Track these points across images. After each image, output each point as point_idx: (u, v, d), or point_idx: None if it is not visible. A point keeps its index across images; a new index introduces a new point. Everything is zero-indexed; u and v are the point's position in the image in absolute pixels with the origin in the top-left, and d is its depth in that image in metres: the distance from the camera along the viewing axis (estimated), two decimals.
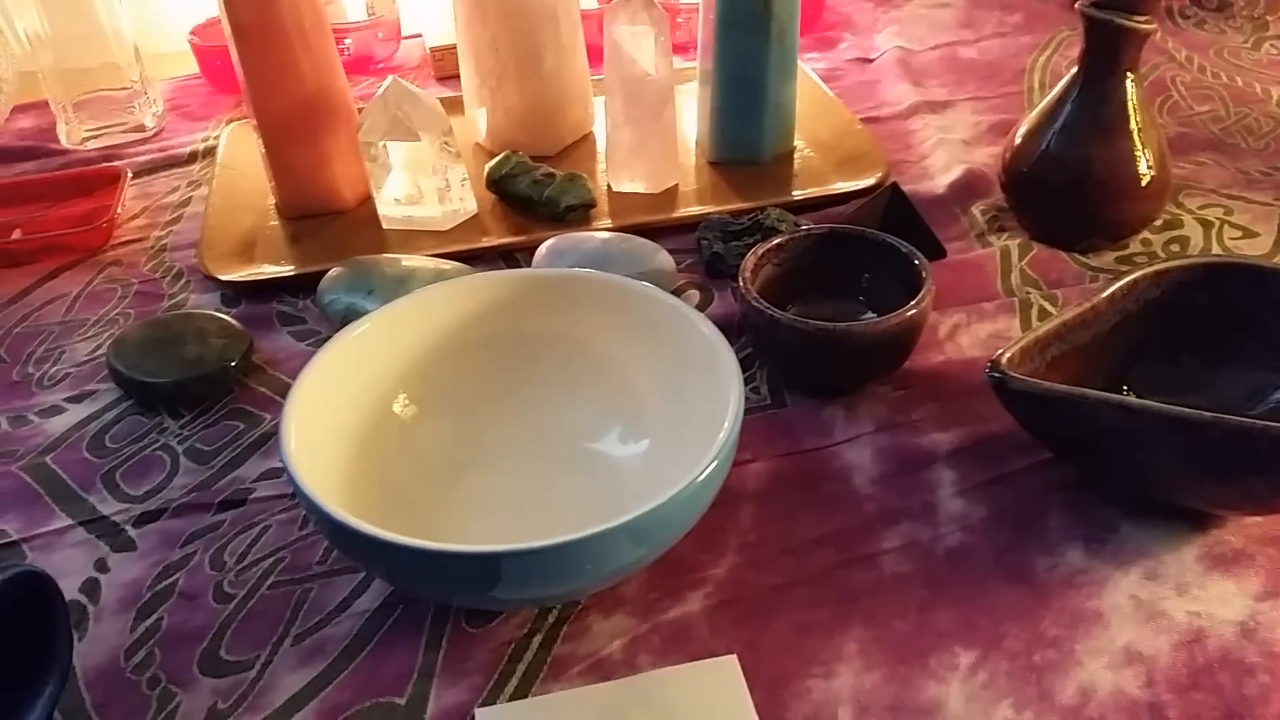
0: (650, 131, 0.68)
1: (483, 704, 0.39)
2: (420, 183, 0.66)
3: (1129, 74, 0.58)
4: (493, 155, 0.71)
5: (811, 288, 0.55)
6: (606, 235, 0.61)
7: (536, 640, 0.41)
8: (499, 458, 0.47)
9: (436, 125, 0.64)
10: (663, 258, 0.59)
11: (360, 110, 0.67)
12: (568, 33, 0.73)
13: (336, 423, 0.43)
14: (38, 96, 0.86)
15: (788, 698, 0.38)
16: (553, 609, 0.42)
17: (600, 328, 0.47)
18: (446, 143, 0.65)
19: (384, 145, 0.64)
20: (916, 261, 0.52)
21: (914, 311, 0.49)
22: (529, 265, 0.63)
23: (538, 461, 0.47)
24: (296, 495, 0.39)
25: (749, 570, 0.44)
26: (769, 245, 0.54)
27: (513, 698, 0.39)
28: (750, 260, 0.52)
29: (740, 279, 0.51)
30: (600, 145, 0.77)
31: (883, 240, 0.53)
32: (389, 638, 0.42)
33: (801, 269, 0.55)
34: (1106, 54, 0.57)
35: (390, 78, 0.64)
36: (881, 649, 0.40)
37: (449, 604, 0.42)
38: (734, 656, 0.40)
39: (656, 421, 0.46)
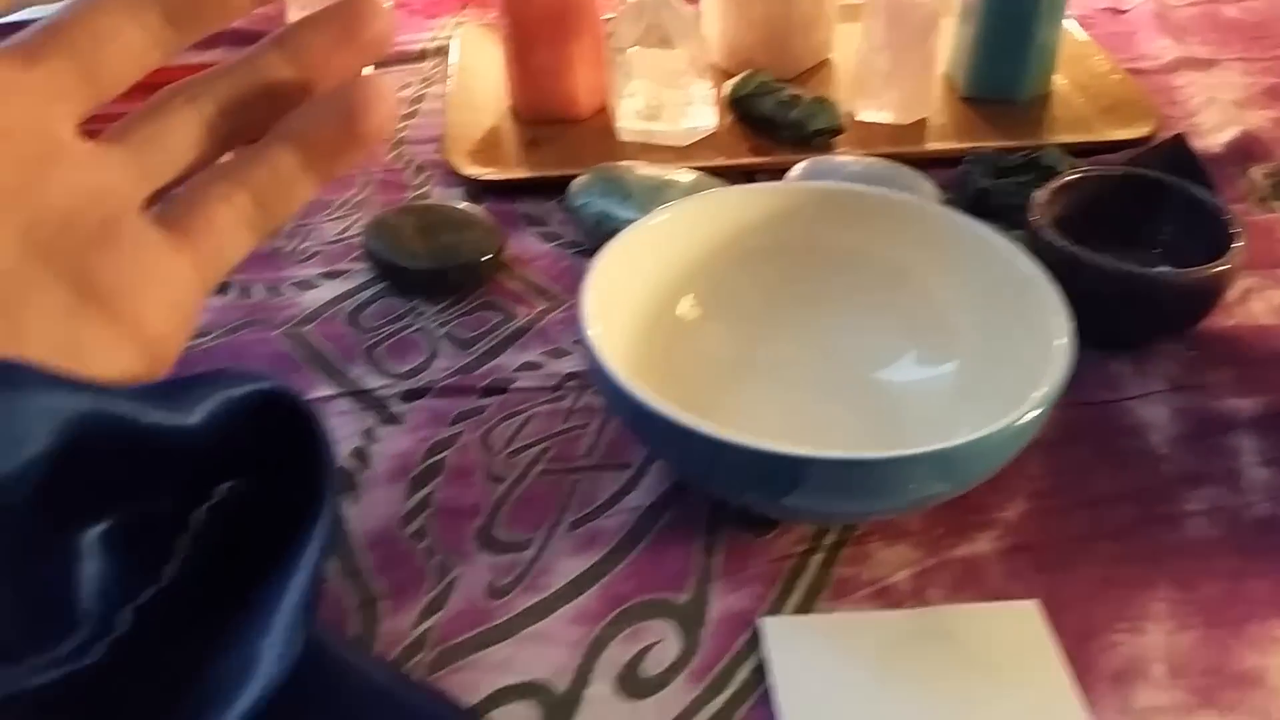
0: (909, 59, 0.65)
1: (766, 614, 0.38)
2: (664, 95, 0.64)
3: None
4: (728, 74, 0.69)
5: (1098, 234, 0.51)
6: (868, 160, 0.58)
7: (816, 559, 0.40)
8: (780, 371, 0.45)
9: (691, 36, 0.62)
10: (928, 188, 0.57)
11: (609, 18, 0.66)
12: None
13: (626, 311, 0.42)
14: None
15: (1095, 650, 0.36)
16: (829, 530, 0.41)
17: (898, 249, 0.45)
18: (698, 56, 0.63)
19: (633, 52, 0.63)
20: (1225, 215, 0.48)
21: (1227, 266, 0.45)
22: None
23: (819, 379, 0.45)
24: (594, 375, 0.39)
25: (1044, 518, 0.41)
26: (1060, 183, 0.51)
27: (795, 612, 0.38)
28: (1042, 196, 0.49)
29: (1031, 214, 0.48)
30: (839, 72, 0.74)
31: (1187, 190, 0.50)
32: (663, 537, 0.41)
33: (1089, 213, 0.51)
34: None
35: None
36: (1192, 612, 0.38)
37: (729, 505, 0.41)
38: (1036, 602, 0.38)
39: (957, 353, 0.44)
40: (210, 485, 0.25)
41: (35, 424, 0.20)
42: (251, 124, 0.27)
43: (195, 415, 0.23)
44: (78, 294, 0.24)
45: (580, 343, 0.39)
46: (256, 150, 0.26)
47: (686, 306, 0.46)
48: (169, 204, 0.26)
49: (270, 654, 0.24)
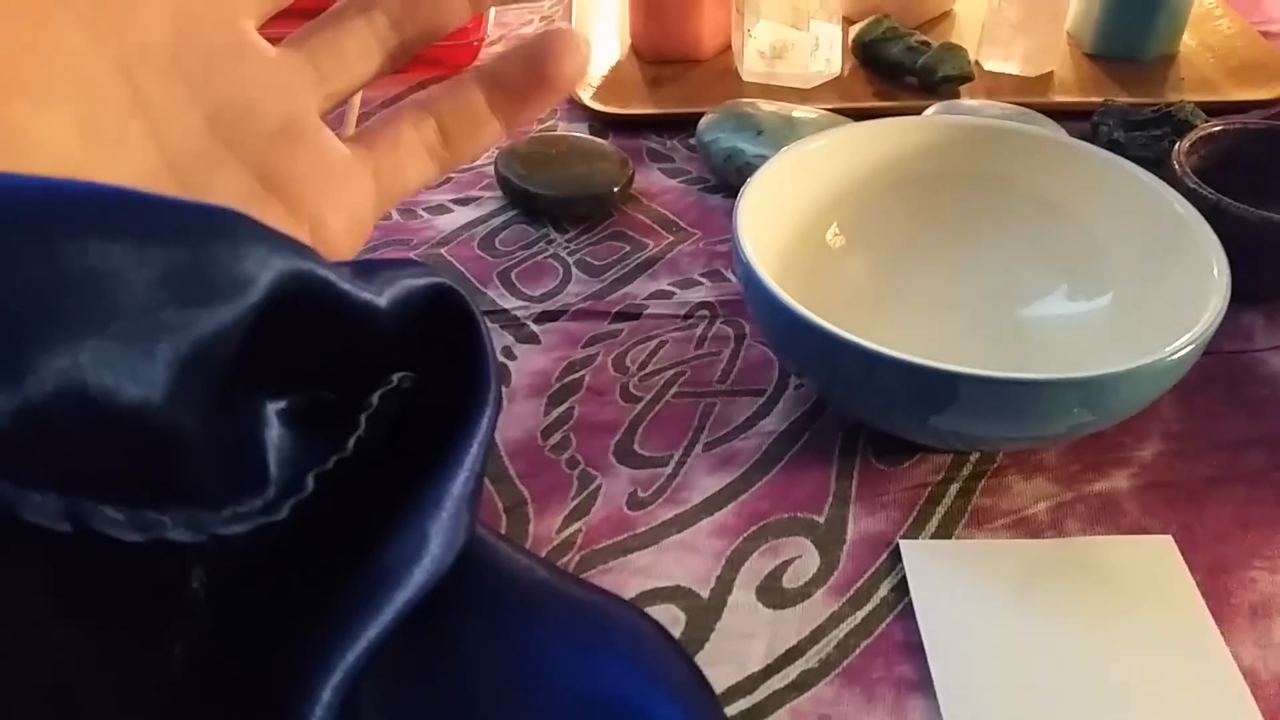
0: (1041, 10, 0.64)
1: (904, 537, 0.39)
2: (790, 37, 0.65)
3: None
4: (849, 21, 0.69)
5: (1236, 187, 0.51)
6: (1001, 106, 0.58)
7: (953, 488, 0.41)
8: (925, 302, 0.46)
9: None
10: (1063, 134, 0.56)
11: None
12: None
13: (773, 235, 0.43)
14: None
15: (1231, 584, 0.37)
16: (966, 461, 0.41)
17: (1050, 185, 0.45)
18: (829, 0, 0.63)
19: None
20: None
21: None
22: None
23: (965, 311, 0.45)
24: (748, 289, 0.39)
25: (1177, 459, 0.41)
26: (1200, 134, 0.50)
27: (933, 537, 0.39)
28: (1184, 145, 0.49)
29: (1175, 162, 0.48)
30: (961, 23, 0.73)
31: None
32: (799, 459, 0.42)
33: (1226, 166, 0.51)
34: None
35: None
36: None
37: (861, 435, 0.42)
38: (1169, 537, 0.38)
39: (1109, 289, 0.44)
40: (388, 370, 0.25)
41: (257, 272, 0.20)
42: (420, 37, 0.28)
43: (384, 297, 0.23)
44: (260, 181, 0.26)
45: (735, 262, 0.40)
46: (450, 85, 0.28)
47: (831, 235, 0.46)
48: (362, 128, 0.28)
49: (439, 538, 0.24)
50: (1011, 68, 0.67)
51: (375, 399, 0.26)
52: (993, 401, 0.36)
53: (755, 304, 0.40)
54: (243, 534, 0.21)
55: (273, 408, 0.23)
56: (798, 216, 0.45)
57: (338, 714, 0.21)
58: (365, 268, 0.24)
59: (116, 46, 0.24)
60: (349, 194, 0.27)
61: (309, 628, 0.24)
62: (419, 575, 0.24)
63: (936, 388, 0.36)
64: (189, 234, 0.20)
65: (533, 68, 0.28)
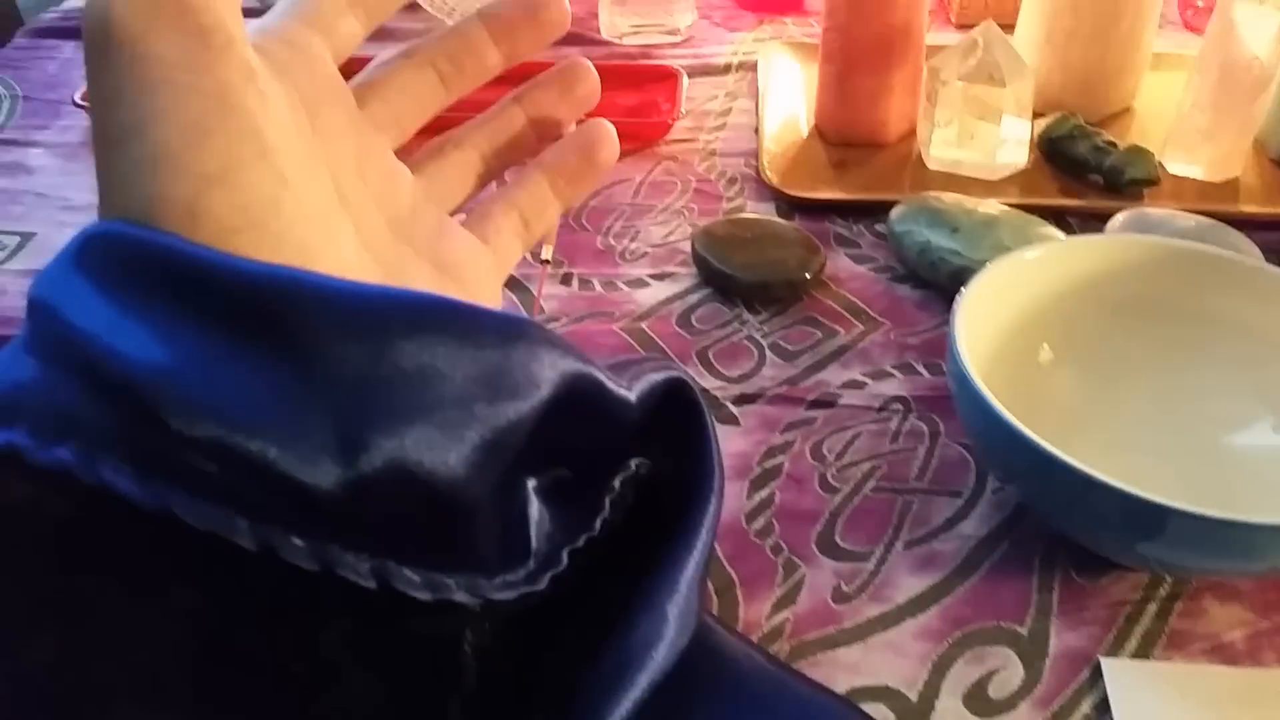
0: (1233, 117, 0.65)
1: (1105, 654, 0.40)
2: (979, 129, 0.66)
3: None
4: (1034, 112, 0.70)
5: None
6: (1192, 218, 0.59)
7: (1151, 608, 0.42)
8: (1123, 423, 0.47)
9: (1022, 77, 0.64)
10: (1255, 252, 0.57)
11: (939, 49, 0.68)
12: (1150, 1, 0.70)
13: (982, 342, 0.44)
14: None
15: None
16: (1163, 581, 0.42)
17: (1259, 315, 0.46)
18: (1023, 96, 0.65)
19: (959, 86, 0.65)
20: None
21: None
22: (1079, 230, 0.63)
23: (1164, 435, 0.46)
24: (961, 395, 0.41)
25: None
26: None
27: (1133, 657, 0.40)
28: None
29: None
30: (1141, 118, 0.74)
31: None
32: (999, 566, 0.43)
33: None
34: None
35: (988, 20, 0.65)
36: None
37: (1060, 542, 0.43)
38: None
39: None
40: (627, 455, 0.28)
41: (547, 372, 0.23)
42: (503, 162, 0.35)
43: (634, 392, 0.26)
44: (438, 268, 0.30)
45: (949, 368, 0.42)
46: (521, 177, 0.34)
47: (1037, 347, 0.48)
48: (467, 219, 0.33)
49: (677, 621, 0.27)
50: (1196, 172, 0.67)
51: (617, 483, 0.29)
52: (1203, 537, 0.37)
53: (968, 413, 0.42)
54: (509, 601, 0.24)
55: (532, 484, 0.26)
56: (1007, 326, 0.47)
57: None
58: (618, 365, 0.27)
59: (329, 161, 0.28)
60: (488, 274, 0.33)
61: (562, 702, 0.27)
62: (660, 657, 0.27)
63: (1147, 518, 0.37)
64: (497, 338, 0.23)
65: (581, 156, 0.34)
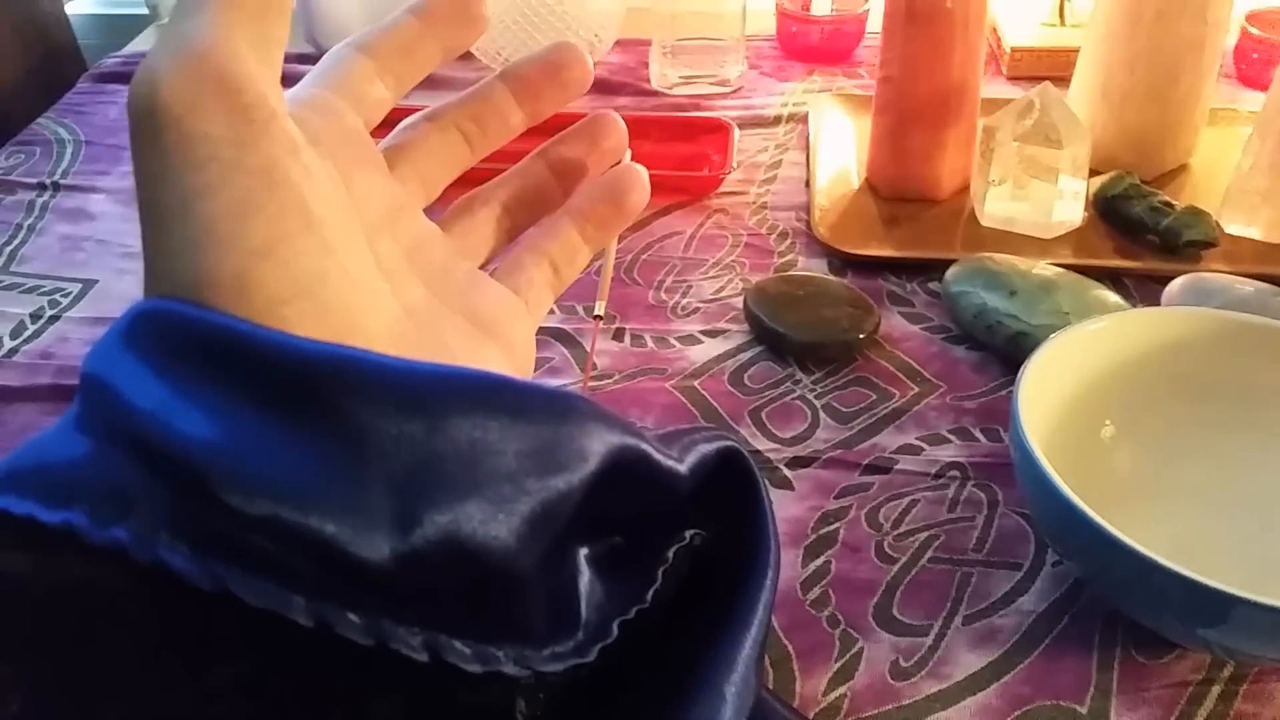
0: None
1: None
2: (1034, 187, 0.66)
3: None
4: (1089, 170, 0.70)
5: None
6: (1252, 284, 0.58)
7: (1215, 690, 0.41)
8: (1185, 500, 0.46)
9: (1078, 138, 0.64)
10: None
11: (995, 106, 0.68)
12: (1209, 60, 0.70)
13: (1044, 414, 0.44)
14: (632, 33, 0.93)
15: None
16: (1226, 663, 0.42)
17: None
18: (1080, 157, 0.64)
19: (1016, 146, 0.65)
20: None
21: None
22: (1134, 292, 0.62)
23: (1226, 511, 0.46)
24: (1024, 475, 0.41)
25: None
26: None
27: None
28: None
29: None
30: (1196, 176, 0.74)
31: None
32: (1059, 643, 0.43)
33: None
34: None
35: (1045, 83, 0.65)
36: None
37: (1121, 619, 0.43)
38: None
39: None
40: (681, 525, 0.28)
41: (594, 446, 0.24)
42: (531, 215, 0.35)
43: (685, 464, 0.26)
44: (472, 322, 0.31)
45: (1011, 442, 0.42)
46: (550, 225, 0.34)
47: (1097, 419, 0.47)
48: (498, 270, 0.33)
49: (734, 702, 0.27)
50: (1254, 233, 0.66)
51: (671, 554, 0.29)
52: (1267, 627, 0.36)
53: (1031, 489, 0.42)
54: (558, 672, 0.24)
55: (584, 554, 0.26)
56: (1068, 399, 0.46)
57: None
58: (669, 436, 0.27)
59: (364, 224, 0.28)
60: (522, 325, 0.32)
61: None
62: None
63: (1211, 605, 0.36)
64: (547, 414, 0.23)
65: (610, 202, 0.34)
